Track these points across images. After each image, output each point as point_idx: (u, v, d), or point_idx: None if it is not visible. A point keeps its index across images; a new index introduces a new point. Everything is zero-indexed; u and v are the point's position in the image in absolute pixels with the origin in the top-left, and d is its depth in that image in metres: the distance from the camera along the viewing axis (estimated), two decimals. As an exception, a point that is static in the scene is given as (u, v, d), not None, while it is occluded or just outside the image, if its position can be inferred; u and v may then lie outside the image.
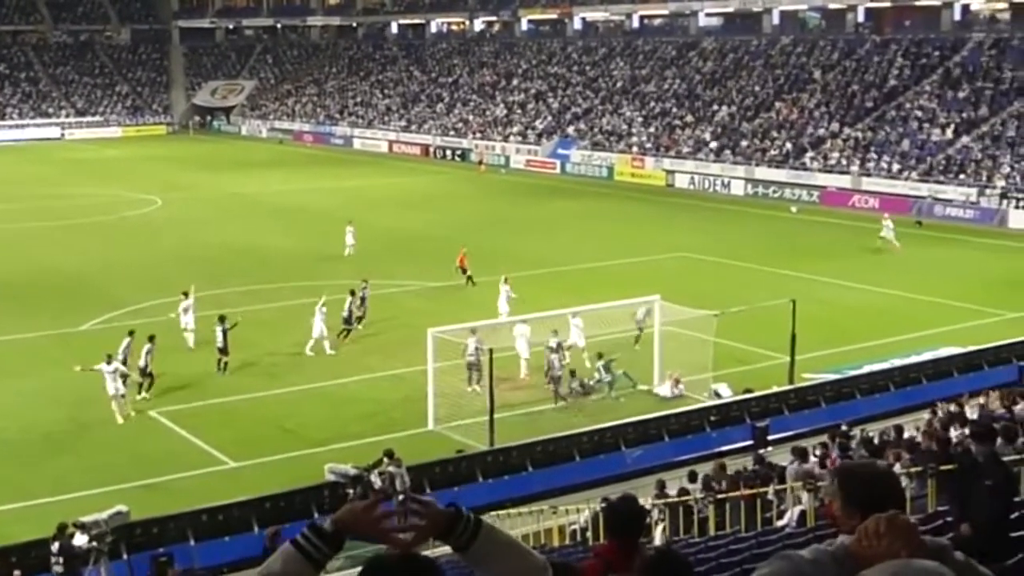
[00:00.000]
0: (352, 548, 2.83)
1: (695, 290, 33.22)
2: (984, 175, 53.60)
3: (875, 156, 58.82)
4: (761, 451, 21.48)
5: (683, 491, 17.76)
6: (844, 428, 20.74)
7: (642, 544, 5.97)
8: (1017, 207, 50.63)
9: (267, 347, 30.42)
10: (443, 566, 2.85)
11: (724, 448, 22.76)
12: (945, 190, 53.67)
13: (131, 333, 27.08)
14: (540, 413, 25.54)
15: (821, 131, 63.15)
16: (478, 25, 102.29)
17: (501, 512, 19.27)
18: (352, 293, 31.58)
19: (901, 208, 52.52)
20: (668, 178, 64.58)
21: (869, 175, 57.53)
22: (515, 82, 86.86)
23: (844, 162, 59.50)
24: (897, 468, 14.35)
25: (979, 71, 61.86)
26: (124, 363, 25.58)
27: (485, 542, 2.86)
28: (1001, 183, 52.44)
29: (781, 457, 19.94)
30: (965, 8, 70.03)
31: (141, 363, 26.30)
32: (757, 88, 70.81)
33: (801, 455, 17.91)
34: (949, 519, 10.22)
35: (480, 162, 73.76)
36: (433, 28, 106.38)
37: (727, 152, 64.60)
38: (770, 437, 23.42)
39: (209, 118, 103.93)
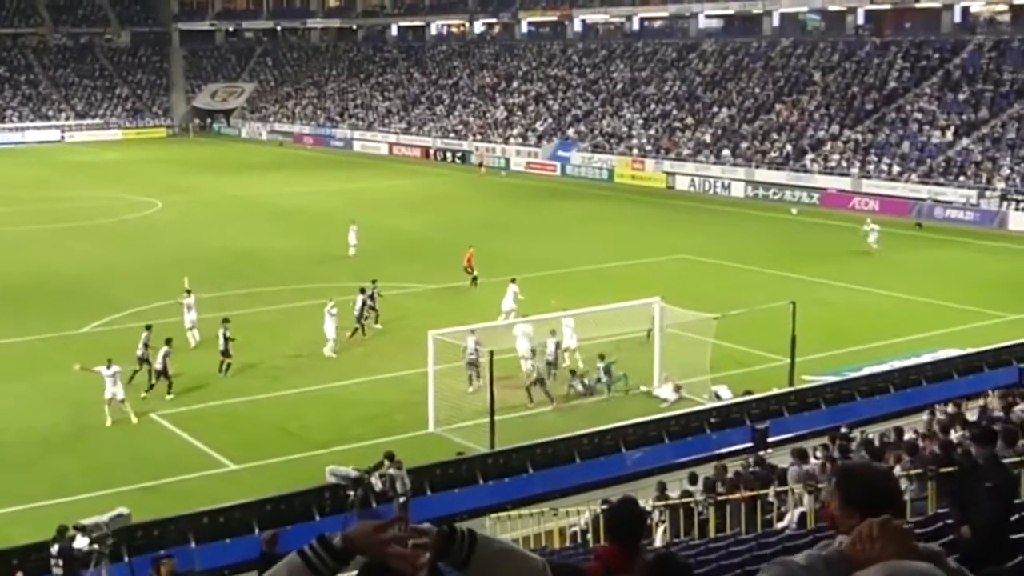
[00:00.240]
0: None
1: (695, 292, 33.23)
2: (984, 177, 53.61)
3: (875, 158, 58.82)
4: (761, 453, 21.48)
5: (685, 493, 17.77)
6: (844, 430, 20.72)
7: (642, 546, 5.98)
8: (1017, 209, 50.65)
9: (268, 349, 30.47)
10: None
11: (724, 450, 22.76)
12: (945, 192, 53.68)
13: (148, 327, 27.79)
14: (540, 415, 25.54)
15: (821, 133, 63.17)
16: (478, 27, 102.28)
17: (501, 514, 19.29)
18: (362, 291, 31.98)
19: (901, 210, 52.59)
20: (668, 180, 64.62)
21: (869, 177, 57.54)
22: (515, 84, 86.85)
23: (844, 164, 59.50)
24: (897, 470, 14.36)
25: (979, 73, 61.88)
26: (145, 355, 26.70)
27: (483, 553, 2.87)
28: (1001, 185, 52.48)
29: (781, 459, 19.94)
30: (965, 10, 69.97)
31: (158, 366, 26.62)
32: (757, 90, 70.82)
33: (801, 457, 17.92)
34: (949, 521, 10.22)
35: (480, 164, 73.75)
36: (433, 30, 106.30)
37: (726, 153, 64.59)
38: (770, 439, 23.44)
39: (209, 120, 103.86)
